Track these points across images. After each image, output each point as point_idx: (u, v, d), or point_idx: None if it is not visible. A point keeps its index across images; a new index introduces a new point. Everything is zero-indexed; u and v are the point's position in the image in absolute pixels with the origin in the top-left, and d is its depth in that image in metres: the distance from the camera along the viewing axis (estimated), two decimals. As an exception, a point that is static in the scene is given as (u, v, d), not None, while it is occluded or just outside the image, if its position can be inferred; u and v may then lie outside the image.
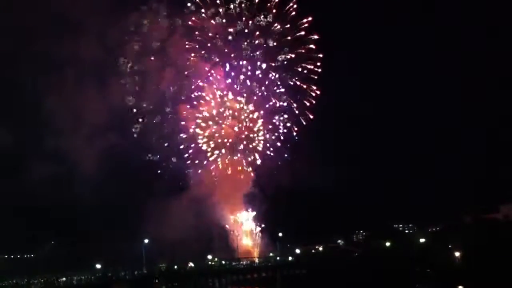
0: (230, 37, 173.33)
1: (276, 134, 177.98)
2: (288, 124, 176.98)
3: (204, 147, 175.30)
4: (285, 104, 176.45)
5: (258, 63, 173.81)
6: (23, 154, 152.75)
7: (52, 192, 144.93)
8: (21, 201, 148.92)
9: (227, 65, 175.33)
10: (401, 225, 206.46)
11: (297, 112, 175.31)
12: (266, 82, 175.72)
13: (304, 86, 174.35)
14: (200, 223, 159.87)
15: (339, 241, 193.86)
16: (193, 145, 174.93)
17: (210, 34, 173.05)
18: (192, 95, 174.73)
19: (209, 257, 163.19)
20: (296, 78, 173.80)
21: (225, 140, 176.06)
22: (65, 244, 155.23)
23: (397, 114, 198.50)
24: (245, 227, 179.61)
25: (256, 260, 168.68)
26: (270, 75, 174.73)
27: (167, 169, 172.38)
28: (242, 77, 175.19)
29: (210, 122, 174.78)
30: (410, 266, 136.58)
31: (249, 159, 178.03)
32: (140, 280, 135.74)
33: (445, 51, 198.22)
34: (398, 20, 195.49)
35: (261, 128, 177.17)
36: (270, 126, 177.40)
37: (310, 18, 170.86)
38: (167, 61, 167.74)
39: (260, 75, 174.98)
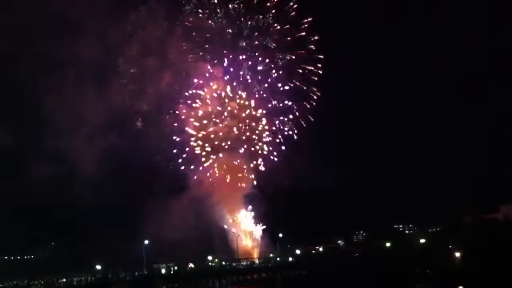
0: (229, 37, 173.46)
1: (280, 136, 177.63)
2: (287, 128, 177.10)
3: (198, 150, 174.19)
4: (288, 103, 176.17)
5: (258, 63, 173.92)
6: (23, 154, 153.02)
7: (52, 193, 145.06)
8: (21, 201, 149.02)
9: (226, 62, 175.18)
10: (401, 226, 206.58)
11: (297, 114, 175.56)
12: (266, 84, 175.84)
13: (304, 88, 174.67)
14: (200, 223, 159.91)
15: (339, 241, 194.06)
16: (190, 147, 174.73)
17: (208, 35, 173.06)
18: (190, 94, 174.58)
19: (209, 257, 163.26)
20: (297, 79, 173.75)
21: (223, 143, 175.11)
22: (65, 245, 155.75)
23: (397, 114, 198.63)
24: (244, 228, 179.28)
25: (256, 261, 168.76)
26: (270, 76, 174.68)
27: (167, 169, 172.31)
28: (241, 77, 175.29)
29: (205, 121, 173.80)
30: (410, 267, 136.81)
31: (251, 164, 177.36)
32: (140, 281, 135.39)
33: (445, 51, 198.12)
34: (398, 20, 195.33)
35: (266, 127, 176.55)
36: (274, 128, 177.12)
37: (310, 19, 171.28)
38: (166, 61, 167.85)
39: (259, 77, 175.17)
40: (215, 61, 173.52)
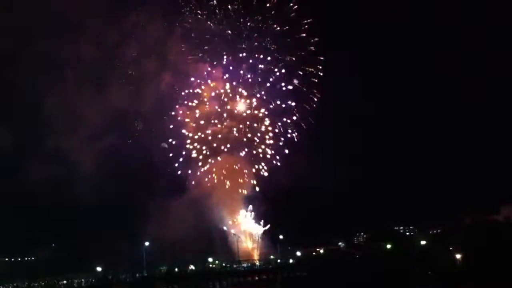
0: (228, 38, 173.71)
1: (282, 138, 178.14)
2: (290, 130, 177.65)
3: (194, 154, 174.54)
4: (289, 104, 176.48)
5: (258, 64, 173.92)
6: (22, 155, 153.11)
7: (52, 194, 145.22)
8: (21, 202, 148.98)
9: (225, 63, 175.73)
10: (401, 227, 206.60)
11: (297, 114, 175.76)
12: (266, 85, 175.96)
13: (305, 89, 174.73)
14: (200, 225, 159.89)
15: (340, 243, 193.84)
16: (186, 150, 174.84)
17: (207, 37, 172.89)
18: (189, 95, 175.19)
19: (210, 259, 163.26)
20: (297, 80, 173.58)
21: (222, 146, 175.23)
22: (65, 246, 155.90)
23: (397, 114, 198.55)
24: (245, 229, 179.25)
25: (257, 263, 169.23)
26: (270, 77, 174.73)
27: (166, 171, 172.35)
28: (241, 77, 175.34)
29: (203, 122, 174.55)
30: (411, 268, 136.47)
31: (253, 169, 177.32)
32: (141, 282, 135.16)
33: (445, 51, 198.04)
34: (398, 20, 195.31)
35: (270, 128, 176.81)
36: (276, 131, 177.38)
37: (309, 20, 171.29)
38: (165, 62, 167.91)
39: (259, 78, 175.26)
40: (215, 63, 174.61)
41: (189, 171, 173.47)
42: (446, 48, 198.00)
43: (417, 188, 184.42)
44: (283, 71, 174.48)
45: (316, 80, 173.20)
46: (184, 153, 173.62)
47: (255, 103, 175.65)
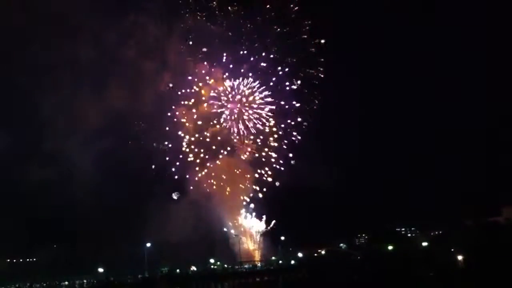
0: (228, 39, 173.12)
1: (286, 141, 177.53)
2: (292, 131, 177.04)
3: (191, 158, 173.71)
4: (291, 104, 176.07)
5: (259, 65, 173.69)
6: (23, 155, 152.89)
7: (54, 195, 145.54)
8: (22, 203, 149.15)
9: (225, 63, 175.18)
10: (403, 229, 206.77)
11: (298, 115, 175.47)
12: (267, 85, 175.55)
13: (306, 90, 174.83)
14: (201, 226, 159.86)
15: (341, 244, 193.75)
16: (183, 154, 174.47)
17: (207, 38, 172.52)
18: (188, 95, 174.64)
19: (211, 260, 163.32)
20: (298, 81, 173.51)
21: (222, 149, 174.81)
22: (67, 248, 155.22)
23: (397, 114, 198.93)
24: (246, 231, 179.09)
25: (258, 264, 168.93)
26: (271, 78, 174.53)
27: (166, 172, 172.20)
28: (242, 78, 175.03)
29: (200, 122, 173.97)
30: (412, 270, 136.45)
31: (256, 174, 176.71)
32: (142, 283, 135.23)
33: (445, 51, 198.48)
34: (398, 20, 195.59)
35: (274, 129, 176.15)
36: (280, 133, 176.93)
37: (309, 22, 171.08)
38: (164, 62, 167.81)
39: (259, 80, 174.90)
40: (214, 63, 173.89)
41: (187, 176, 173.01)
42: (446, 48, 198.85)
43: (418, 189, 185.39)
44: (284, 71, 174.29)
45: (316, 82, 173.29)
46: (181, 156, 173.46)
47: (256, 104, 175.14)
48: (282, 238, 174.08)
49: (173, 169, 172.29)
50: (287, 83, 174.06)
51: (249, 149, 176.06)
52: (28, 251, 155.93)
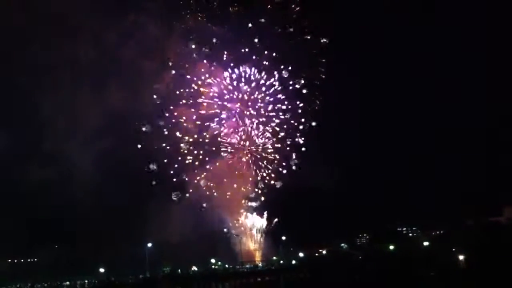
0: (229, 39, 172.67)
1: (289, 142, 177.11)
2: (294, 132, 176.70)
3: (189, 160, 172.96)
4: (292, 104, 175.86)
5: (259, 65, 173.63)
6: (23, 155, 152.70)
7: (54, 195, 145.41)
8: (23, 203, 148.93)
9: (225, 63, 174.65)
10: (404, 228, 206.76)
11: (300, 117, 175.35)
12: (267, 85, 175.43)
13: (306, 91, 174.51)
14: (202, 226, 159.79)
15: (342, 244, 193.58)
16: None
17: (207, 38, 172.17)
18: (188, 96, 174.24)
19: (212, 260, 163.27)
20: (299, 81, 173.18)
21: (222, 149, 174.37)
22: (67, 248, 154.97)
23: (397, 114, 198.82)
24: (247, 231, 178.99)
25: (260, 264, 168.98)
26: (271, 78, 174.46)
27: (166, 173, 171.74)
28: (242, 78, 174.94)
29: (199, 122, 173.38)
30: (413, 270, 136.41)
31: (258, 177, 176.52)
32: (143, 283, 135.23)
33: (445, 51, 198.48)
34: (398, 20, 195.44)
35: (277, 129, 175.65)
36: (283, 134, 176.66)
37: (310, 22, 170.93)
38: (165, 62, 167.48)
39: (260, 80, 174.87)
40: (214, 63, 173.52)
41: (186, 179, 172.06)
42: (446, 48, 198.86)
43: (418, 188, 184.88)
44: (288, 69, 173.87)
45: (318, 82, 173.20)
46: (180, 157, 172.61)
47: (257, 104, 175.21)
48: (283, 238, 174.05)
49: (171, 172, 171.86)
50: (290, 82, 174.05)
51: (249, 149, 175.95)
52: (28, 251, 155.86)
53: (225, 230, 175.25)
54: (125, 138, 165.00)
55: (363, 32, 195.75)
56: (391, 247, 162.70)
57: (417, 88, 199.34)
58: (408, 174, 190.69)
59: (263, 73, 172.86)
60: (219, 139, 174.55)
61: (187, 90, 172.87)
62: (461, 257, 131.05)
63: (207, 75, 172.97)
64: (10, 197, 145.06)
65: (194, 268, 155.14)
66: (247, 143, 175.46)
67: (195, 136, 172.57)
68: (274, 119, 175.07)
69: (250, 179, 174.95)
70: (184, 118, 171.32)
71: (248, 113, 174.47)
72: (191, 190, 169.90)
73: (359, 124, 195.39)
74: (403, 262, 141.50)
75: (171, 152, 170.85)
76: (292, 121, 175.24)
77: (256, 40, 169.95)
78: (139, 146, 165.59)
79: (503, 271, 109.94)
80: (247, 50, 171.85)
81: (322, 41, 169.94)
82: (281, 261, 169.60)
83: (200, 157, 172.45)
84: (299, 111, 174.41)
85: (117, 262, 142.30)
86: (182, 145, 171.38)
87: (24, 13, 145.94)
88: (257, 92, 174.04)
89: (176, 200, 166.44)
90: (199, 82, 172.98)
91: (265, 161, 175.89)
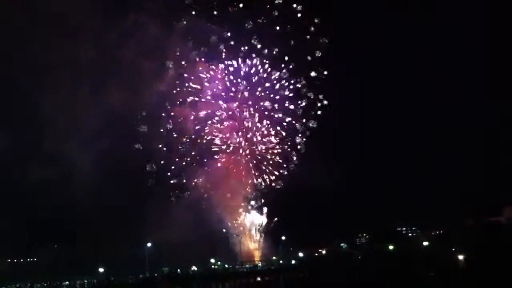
0: (228, 38, 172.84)
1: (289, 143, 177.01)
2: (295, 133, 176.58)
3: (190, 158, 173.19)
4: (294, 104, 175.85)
5: (259, 65, 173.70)
6: (23, 155, 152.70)
7: (54, 195, 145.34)
8: (23, 203, 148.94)
9: (225, 63, 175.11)
10: (404, 228, 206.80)
11: (300, 117, 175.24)
12: (267, 86, 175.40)
13: (305, 90, 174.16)
14: (202, 226, 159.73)
15: (342, 244, 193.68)
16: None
17: (207, 37, 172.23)
18: (188, 96, 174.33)
19: (212, 260, 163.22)
20: (300, 81, 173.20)
21: (222, 149, 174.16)
22: (67, 248, 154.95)
23: (397, 115, 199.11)
24: (247, 231, 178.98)
25: (259, 264, 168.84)
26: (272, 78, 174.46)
27: (165, 174, 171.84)
28: (242, 78, 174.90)
29: (197, 122, 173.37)
30: (413, 269, 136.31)
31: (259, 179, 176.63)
32: (143, 283, 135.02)
33: (445, 51, 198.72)
34: (398, 20, 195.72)
35: (278, 128, 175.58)
36: (284, 134, 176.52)
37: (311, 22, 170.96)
38: (164, 62, 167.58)
39: (260, 80, 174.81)
40: (214, 63, 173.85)
41: (184, 180, 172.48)
42: (446, 48, 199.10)
43: (418, 188, 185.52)
44: (288, 68, 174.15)
45: (318, 82, 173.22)
46: (180, 157, 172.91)
47: (256, 105, 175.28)
48: (283, 238, 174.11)
49: (169, 173, 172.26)
50: (291, 82, 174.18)
51: (249, 149, 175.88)
52: (28, 251, 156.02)
53: (223, 230, 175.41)
54: (125, 138, 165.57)
55: (363, 32, 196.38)
56: (391, 247, 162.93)
57: (417, 88, 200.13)
58: (408, 174, 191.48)
59: (262, 73, 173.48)
60: (217, 139, 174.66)
61: (186, 90, 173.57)
62: (460, 257, 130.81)
63: (206, 75, 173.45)
64: (10, 197, 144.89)
65: (194, 268, 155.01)
66: (246, 143, 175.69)
67: (193, 136, 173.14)
68: (274, 119, 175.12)
69: (250, 181, 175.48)
70: (182, 118, 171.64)
71: (247, 113, 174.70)
72: (189, 191, 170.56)
73: (359, 124, 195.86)
74: (402, 262, 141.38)
75: (170, 152, 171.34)
76: (292, 121, 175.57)
77: (256, 40, 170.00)
78: (138, 146, 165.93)
79: (502, 271, 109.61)
80: (246, 48, 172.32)
81: (322, 41, 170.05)
82: (281, 261, 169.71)
83: (198, 157, 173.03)
84: (299, 111, 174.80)
85: (116, 262, 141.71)
86: (180, 145, 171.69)
87: (24, 13, 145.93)
88: (257, 92, 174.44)
89: (175, 200, 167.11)
90: (198, 82, 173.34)
91: (264, 161, 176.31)
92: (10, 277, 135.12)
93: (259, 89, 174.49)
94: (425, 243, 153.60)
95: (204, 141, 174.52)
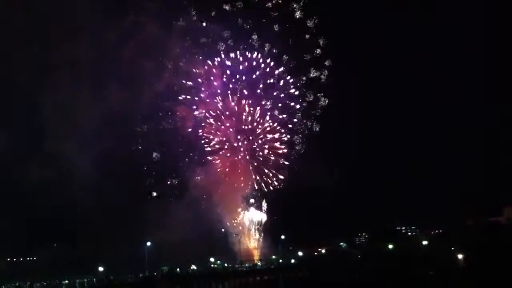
0: (228, 38, 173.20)
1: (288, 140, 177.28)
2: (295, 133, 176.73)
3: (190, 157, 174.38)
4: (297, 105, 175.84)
5: (259, 65, 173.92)
6: (23, 155, 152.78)
7: (54, 194, 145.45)
8: (22, 203, 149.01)
9: (225, 63, 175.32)
10: (403, 228, 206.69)
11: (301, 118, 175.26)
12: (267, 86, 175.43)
13: (305, 90, 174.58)
14: (201, 225, 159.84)
15: (341, 243, 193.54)
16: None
17: (206, 37, 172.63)
18: (187, 96, 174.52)
19: (212, 259, 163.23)
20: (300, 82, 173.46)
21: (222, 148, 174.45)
22: (67, 247, 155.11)
23: (397, 114, 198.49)
24: (246, 230, 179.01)
25: (259, 263, 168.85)
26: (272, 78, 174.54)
27: (165, 172, 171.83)
28: (242, 78, 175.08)
29: (200, 123, 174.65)
30: (413, 269, 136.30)
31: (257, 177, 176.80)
32: (143, 282, 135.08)
33: (445, 51, 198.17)
34: (398, 20, 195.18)
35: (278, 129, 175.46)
36: (284, 134, 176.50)
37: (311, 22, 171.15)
38: (164, 62, 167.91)
39: (261, 80, 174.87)
40: (213, 63, 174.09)
41: (187, 175, 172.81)
42: (446, 48, 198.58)
43: (418, 188, 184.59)
44: (288, 67, 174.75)
45: (317, 82, 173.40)
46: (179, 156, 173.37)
47: (257, 104, 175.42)
48: (283, 237, 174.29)
49: (171, 170, 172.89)
50: (291, 81, 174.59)
51: (248, 149, 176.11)
52: (28, 250, 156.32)
53: (222, 230, 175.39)
54: (124, 138, 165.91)
55: (363, 32, 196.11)
56: (390, 246, 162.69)
57: (417, 88, 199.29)
58: (408, 174, 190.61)
59: (262, 72, 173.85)
60: (216, 138, 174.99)
61: (185, 89, 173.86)
62: (460, 257, 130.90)
63: (205, 74, 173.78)
64: (10, 197, 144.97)
65: (193, 267, 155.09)
66: (246, 142, 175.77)
67: (192, 135, 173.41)
68: (274, 118, 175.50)
69: (250, 182, 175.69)
70: (182, 117, 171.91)
71: (247, 112, 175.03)
72: (189, 190, 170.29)
73: (359, 124, 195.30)
74: (402, 262, 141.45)
75: (169, 152, 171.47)
76: (292, 121, 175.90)
77: (255, 40, 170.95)
78: (137, 147, 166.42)
79: (502, 271, 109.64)
80: (245, 47, 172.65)
81: (322, 41, 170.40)
82: (280, 260, 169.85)
83: (197, 157, 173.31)
84: (299, 111, 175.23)
85: (116, 261, 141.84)
86: (180, 144, 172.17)
87: (24, 13, 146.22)
88: (257, 92, 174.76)
89: (173, 200, 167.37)
90: (197, 81, 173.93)
91: (264, 161, 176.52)
92: (10, 276, 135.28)
93: (259, 89, 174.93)
94: (425, 243, 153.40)
95: (203, 140, 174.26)
